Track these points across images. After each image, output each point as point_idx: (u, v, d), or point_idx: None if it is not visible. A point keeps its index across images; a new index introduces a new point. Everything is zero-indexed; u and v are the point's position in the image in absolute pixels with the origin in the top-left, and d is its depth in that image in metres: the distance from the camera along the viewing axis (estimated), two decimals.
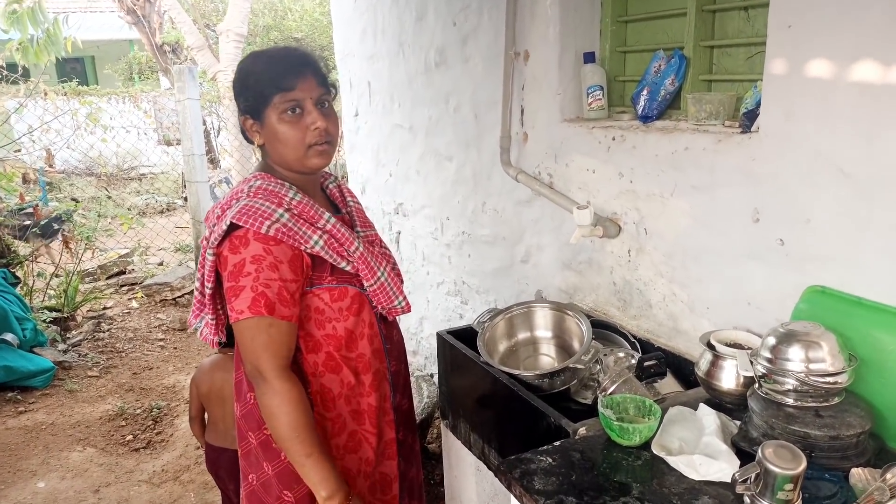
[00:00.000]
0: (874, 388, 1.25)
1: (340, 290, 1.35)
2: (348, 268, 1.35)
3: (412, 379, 2.82)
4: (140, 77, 12.52)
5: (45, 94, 5.74)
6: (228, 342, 1.47)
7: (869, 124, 1.24)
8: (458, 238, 2.80)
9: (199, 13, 9.73)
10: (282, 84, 1.27)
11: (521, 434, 1.58)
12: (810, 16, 1.31)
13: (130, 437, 3.27)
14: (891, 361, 1.23)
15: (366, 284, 1.38)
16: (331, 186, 1.53)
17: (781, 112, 1.39)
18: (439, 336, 1.99)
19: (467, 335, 1.92)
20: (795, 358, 1.20)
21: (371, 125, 3.38)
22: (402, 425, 1.54)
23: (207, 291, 1.36)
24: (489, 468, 1.80)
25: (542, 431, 1.48)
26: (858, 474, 1.11)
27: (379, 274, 1.39)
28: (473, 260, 2.73)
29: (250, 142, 1.37)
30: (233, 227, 1.26)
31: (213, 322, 1.41)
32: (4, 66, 5.44)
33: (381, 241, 1.53)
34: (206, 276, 1.34)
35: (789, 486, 1.00)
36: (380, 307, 1.43)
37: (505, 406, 1.66)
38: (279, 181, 1.34)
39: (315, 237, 1.30)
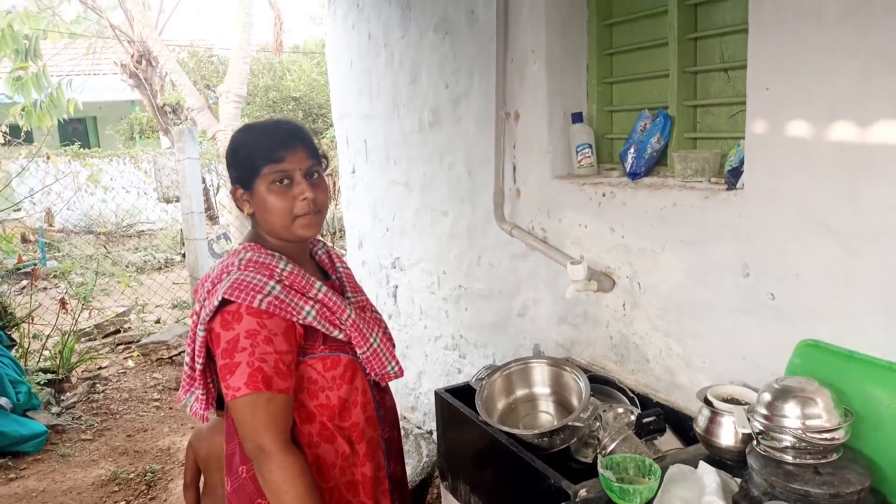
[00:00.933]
0: (872, 443, 1.24)
1: (333, 358, 1.35)
2: (341, 336, 1.35)
3: (410, 437, 2.79)
4: (141, 137, 12.79)
5: (48, 157, 5.85)
6: (220, 406, 1.46)
7: (849, 181, 1.28)
8: (455, 292, 2.82)
9: (199, 75, 10.01)
10: (272, 156, 1.31)
11: (521, 496, 1.56)
12: (786, 79, 1.36)
13: (123, 503, 3.19)
14: (887, 416, 1.23)
15: (359, 352, 1.38)
16: (319, 253, 1.54)
17: (765, 169, 1.43)
18: (437, 394, 1.98)
19: (465, 392, 1.91)
20: (791, 414, 1.20)
21: (368, 181, 3.44)
22: (396, 493, 1.52)
23: (198, 367, 1.35)
24: None
25: (542, 493, 1.46)
26: None
27: (371, 340, 1.40)
28: (470, 314, 2.74)
29: (241, 210, 1.39)
30: (224, 303, 1.26)
31: (204, 397, 1.39)
32: (8, 129, 5.56)
33: (371, 305, 1.53)
34: (196, 352, 1.33)
35: None
36: (373, 374, 1.42)
37: (505, 467, 1.64)
38: (269, 252, 1.35)
39: (307, 308, 1.31)
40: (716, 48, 1.68)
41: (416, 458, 2.63)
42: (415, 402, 3.34)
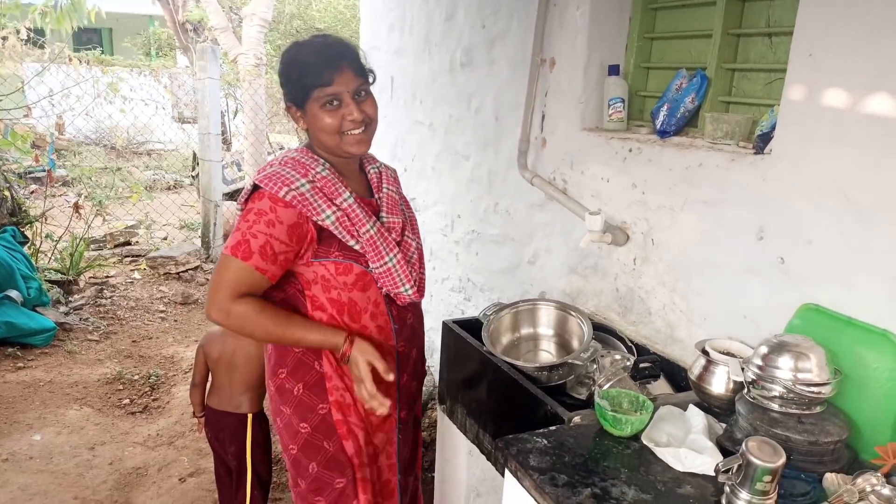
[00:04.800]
0: (854, 402, 1.32)
1: (346, 265, 1.44)
2: (357, 246, 1.44)
3: None
4: (158, 53, 12.60)
5: (70, 59, 5.80)
6: None
7: (877, 153, 1.32)
8: (468, 236, 2.87)
9: None
10: (321, 79, 1.38)
11: (517, 420, 1.65)
12: (831, 45, 1.38)
13: (127, 400, 3.33)
14: (872, 379, 1.31)
15: (372, 266, 1.46)
16: (371, 171, 1.60)
17: (795, 136, 1.47)
18: (445, 324, 2.06)
19: (472, 326, 1.99)
20: (784, 367, 1.28)
21: (391, 119, 3.45)
22: (405, 404, 1.61)
23: None
24: (482, 451, 1.87)
25: (538, 418, 1.55)
26: (831, 478, 1.18)
27: (387, 259, 1.46)
28: (481, 258, 2.80)
29: (296, 124, 1.50)
30: (258, 188, 1.38)
31: None
32: (32, 28, 5.51)
33: (405, 230, 1.58)
34: None
35: (768, 479, 1.07)
36: (385, 289, 1.50)
37: (504, 394, 1.73)
38: (314, 157, 1.45)
39: (329, 211, 1.40)
40: (763, 12, 1.69)
41: None
42: None
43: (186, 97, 9.56)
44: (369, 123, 1.44)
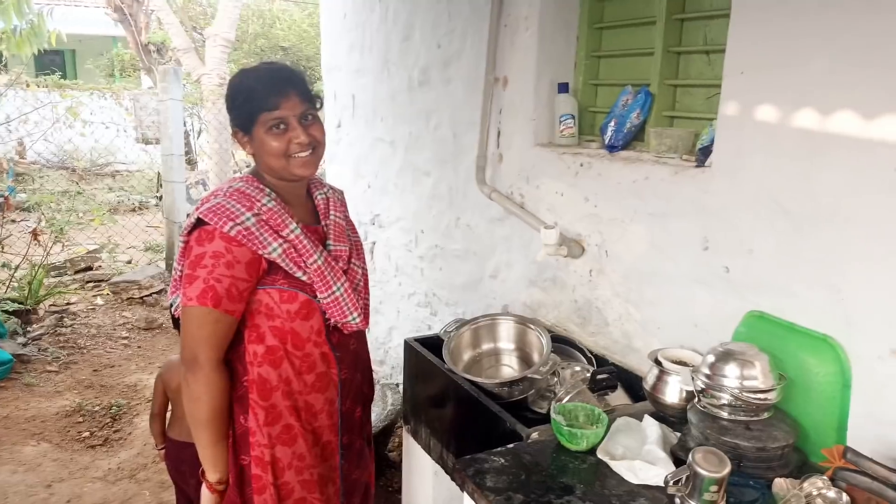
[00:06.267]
0: (800, 406, 1.36)
1: (290, 293, 1.43)
2: (304, 278, 1.43)
3: (377, 387, 2.88)
4: (121, 74, 12.44)
5: (28, 84, 5.69)
6: None
7: (806, 166, 1.37)
8: (431, 251, 2.89)
9: (187, 15, 9.74)
10: (267, 104, 1.39)
11: (478, 438, 1.66)
12: (760, 64, 1.44)
13: (87, 433, 3.24)
14: (816, 383, 1.35)
15: (319, 296, 1.45)
16: (318, 197, 1.59)
17: (732, 150, 1.52)
18: (407, 343, 2.07)
19: (434, 343, 1.99)
20: (731, 375, 1.31)
21: (353, 137, 3.46)
22: (348, 431, 1.60)
23: (177, 275, 1.47)
24: (446, 471, 1.87)
25: (497, 435, 1.56)
26: (780, 484, 1.21)
27: (334, 289, 1.46)
28: (445, 273, 2.81)
29: (243, 150, 1.49)
30: (204, 222, 1.37)
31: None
32: None
33: (352, 257, 1.57)
34: (178, 260, 1.46)
35: (714, 488, 1.10)
36: (332, 319, 1.49)
37: (465, 412, 1.74)
38: (260, 186, 1.44)
39: (275, 244, 1.39)
40: (700, 30, 1.75)
41: (381, 406, 2.73)
42: (384, 355, 3.43)
43: (149, 118, 9.44)
44: (316, 147, 1.44)
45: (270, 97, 1.38)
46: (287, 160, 1.41)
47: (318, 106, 1.47)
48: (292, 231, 1.42)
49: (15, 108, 6.04)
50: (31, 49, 4.54)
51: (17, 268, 4.81)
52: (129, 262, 6.17)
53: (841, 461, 1.20)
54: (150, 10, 9.28)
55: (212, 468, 1.45)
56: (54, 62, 13.13)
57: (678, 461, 1.30)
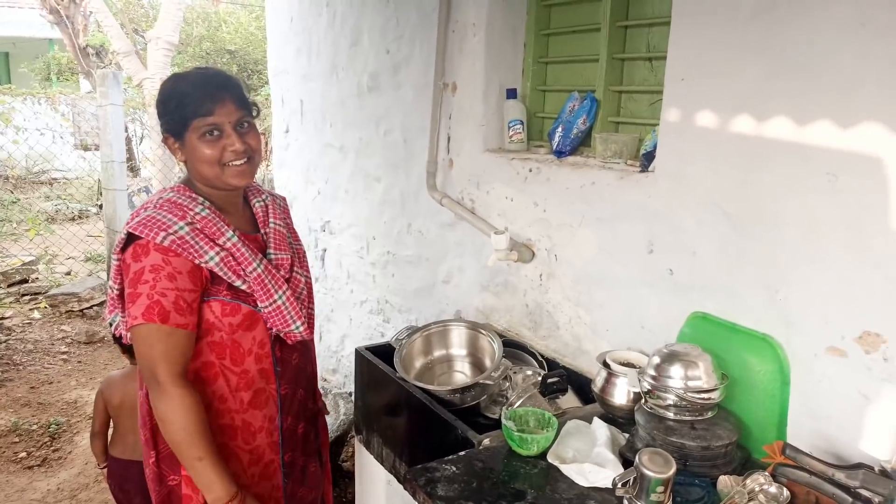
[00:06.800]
0: (743, 404, 1.40)
1: (233, 305, 1.38)
2: (244, 286, 1.38)
3: (329, 396, 2.83)
4: (59, 78, 11.91)
5: None
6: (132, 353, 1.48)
7: (745, 170, 1.41)
8: (383, 258, 2.86)
9: (127, 17, 9.42)
10: (200, 109, 1.33)
11: (430, 446, 1.64)
12: (700, 71, 1.48)
13: (24, 454, 3.07)
14: (758, 381, 1.39)
15: (260, 305, 1.41)
16: (256, 205, 1.54)
17: (674, 155, 1.55)
18: (357, 352, 2.03)
19: (385, 351, 1.96)
20: (676, 376, 1.34)
21: (302, 143, 3.40)
22: (290, 448, 1.55)
23: (114, 292, 1.40)
24: (399, 481, 1.84)
25: (450, 443, 1.54)
26: (725, 481, 1.24)
27: (276, 297, 1.42)
28: (397, 279, 2.79)
29: (174, 157, 1.42)
30: (136, 237, 1.30)
31: (125, 321, 1.41)
32: None
33: (294, 265, 1.52)
34: (113, 278, 1.39)
35: (661, 489, 1.11)
36: (275, 329, 1.44)
37: (417, 420, 1.72)
38: (192, 195, 1.38)
39: (212, 253, 1.34)
40: (643, 37, 1.79)
41: (334, 416, 2.68)
42: (336, 364, 3.38)
43: (88, 124, 9.06)
44: (252, 155, 1.39)
45: (205, 103, 1.33)
46: (221, 168, 1.36)
47: (254, 114, 1.42)
48: (229, 239, 1.37)
49: None
50: None
51: None
52: (69, 274, 5.90)
53: (781, 457, 1.23)
54: (87, 11, 8.92)
55: (206, 489, 1.33)
56: None
57: (627, 462, 1.31)
